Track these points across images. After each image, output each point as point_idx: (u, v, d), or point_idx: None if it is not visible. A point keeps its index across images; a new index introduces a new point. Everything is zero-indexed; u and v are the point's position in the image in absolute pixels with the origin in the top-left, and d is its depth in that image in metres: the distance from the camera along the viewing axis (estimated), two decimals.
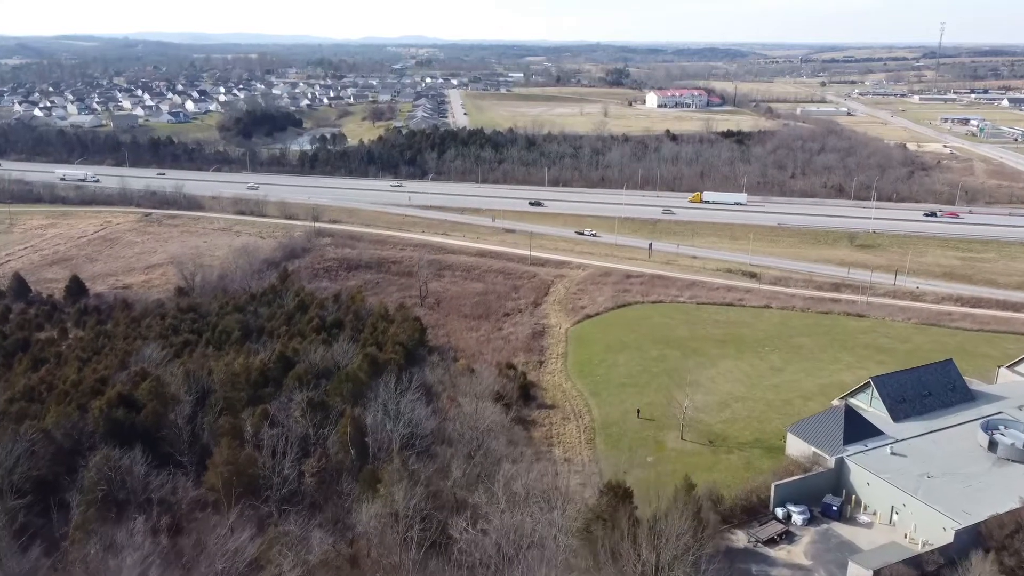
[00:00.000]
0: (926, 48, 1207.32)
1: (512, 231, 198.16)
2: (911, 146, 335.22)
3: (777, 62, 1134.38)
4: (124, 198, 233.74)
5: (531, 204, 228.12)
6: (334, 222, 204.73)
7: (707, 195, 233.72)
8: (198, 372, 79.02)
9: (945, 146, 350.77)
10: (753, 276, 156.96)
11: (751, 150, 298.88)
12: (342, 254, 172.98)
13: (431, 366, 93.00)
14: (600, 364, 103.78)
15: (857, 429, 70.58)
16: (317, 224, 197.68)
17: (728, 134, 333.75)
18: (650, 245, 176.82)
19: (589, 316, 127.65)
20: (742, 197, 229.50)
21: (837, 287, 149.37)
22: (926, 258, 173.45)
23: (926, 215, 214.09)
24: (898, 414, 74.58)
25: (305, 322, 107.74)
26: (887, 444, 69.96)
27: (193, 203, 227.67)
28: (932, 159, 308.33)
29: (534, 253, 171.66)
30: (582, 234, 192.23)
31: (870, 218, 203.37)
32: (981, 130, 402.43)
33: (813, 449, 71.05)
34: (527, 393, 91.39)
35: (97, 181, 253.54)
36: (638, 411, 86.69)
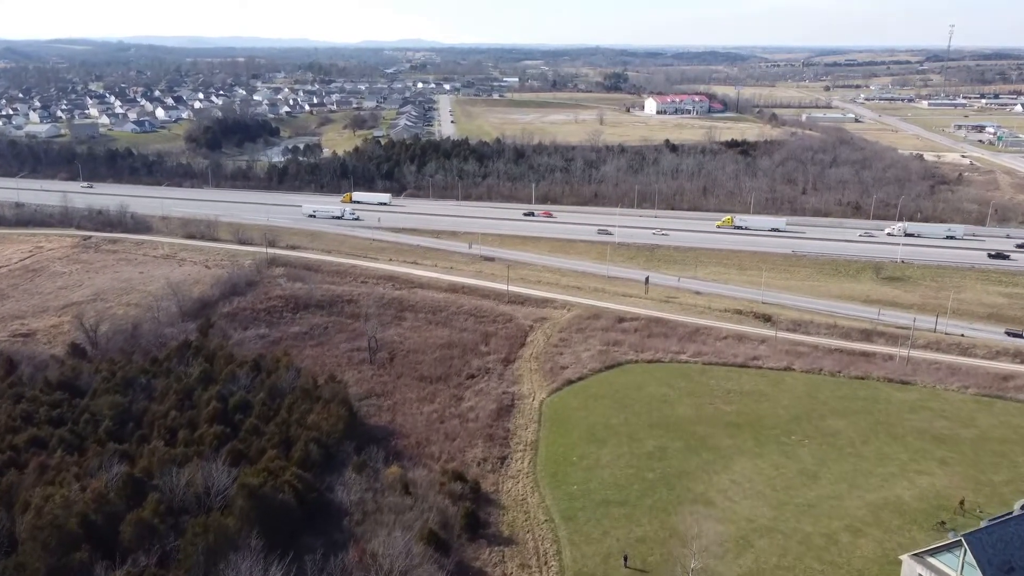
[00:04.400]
0: (928, 51, 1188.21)
1: (491, 259, 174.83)
2: (928, 156, 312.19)
3: (779, 66, 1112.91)
4: (65, 219, 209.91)
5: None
6: (292, 248, 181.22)
7: (356, 195, 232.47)
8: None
9: (963, 156, 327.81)
10: (767, 320, 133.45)
11: (757, 162, 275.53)
12: (291, 291, 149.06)
13: (349, 483, 69.19)
14: (579, 463, 79.98)
15: None
16: (271, 251, 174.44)
17: (732, 144, 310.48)
18: (647, 279, 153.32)
19: (570, 381, 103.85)
20: (386, 197, 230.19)
21: (868, 335, 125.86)
22: (965, 294, 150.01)
23: (525, 214, 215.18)
24: None
25: (203, 403, 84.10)
26: None
27: (141, 224, 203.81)
28: (952, 171, 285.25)
29: (513, 289, 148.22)
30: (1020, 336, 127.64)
31: (898, 244, 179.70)
32: (1000, 138, 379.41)
33: None
34: (476, 520, 67.51)
35: (356, 218, 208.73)
36: (624, 558, 62.88)
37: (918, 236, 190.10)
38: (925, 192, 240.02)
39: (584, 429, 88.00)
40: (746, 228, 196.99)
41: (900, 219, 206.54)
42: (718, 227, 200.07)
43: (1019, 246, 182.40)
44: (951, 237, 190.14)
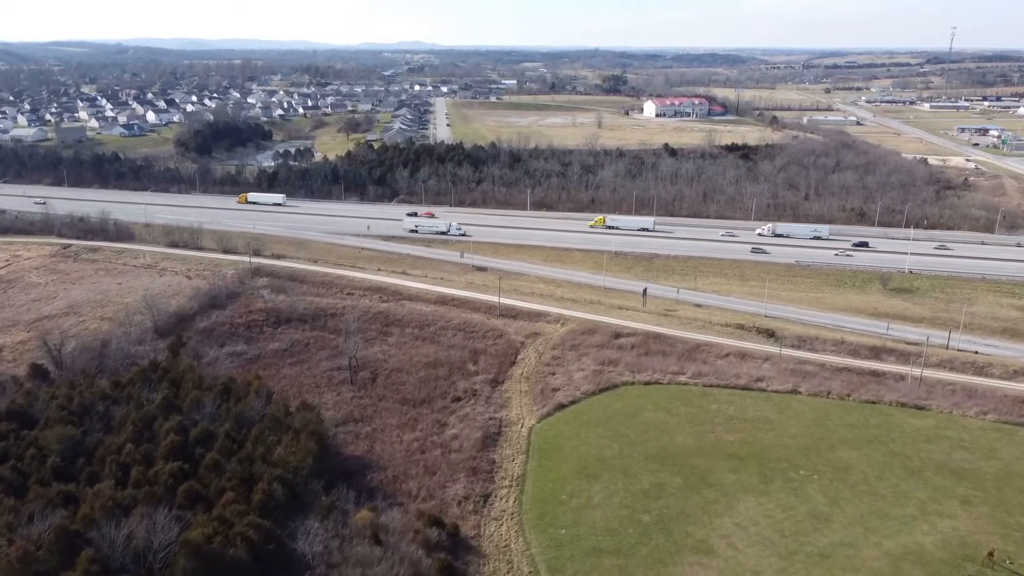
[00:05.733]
0: (928, 53, 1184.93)
1: (484, 269, 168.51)
2: (932, 160, 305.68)
3: (779, 68, 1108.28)
4: (46, 226, 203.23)
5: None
6: (278, 257, 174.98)
7: (252, 196, 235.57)
8: None
9: (968, 160, 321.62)
10: (771, 335, 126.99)
11: (758, 166, 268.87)
12: (273, 303, 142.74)
13: (311, 531, 62.60)
14: (568, 503, 73.43)
15: None
16: (255, 260, 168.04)
17: (732, 148, 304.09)
18: (644, 291, 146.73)
19: (562, 406, 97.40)
20: (280, 197, 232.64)
21: (877, 353, 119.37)
22: (977, 307, 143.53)
23: (408, 215, 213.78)
24: None
25: (163, 433, 77.61)
26: None
27: (123, 232, 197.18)
28: (957, 176, 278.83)
29: (504, 301, 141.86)
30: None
31: (907, 253, 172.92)
32: (1004, 142, 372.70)
33: None
34: (452, 574, 60.99)
35: (463, 234, 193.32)
36: None
37: (787, 236, 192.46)
38: (931, 198, 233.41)
39: (575, 461, 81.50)
40: (617, 228, 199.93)
41: (907, 227, 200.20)
42: (591, 227, 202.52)
43: (856, 245, 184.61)
44: (817, 237, 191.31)
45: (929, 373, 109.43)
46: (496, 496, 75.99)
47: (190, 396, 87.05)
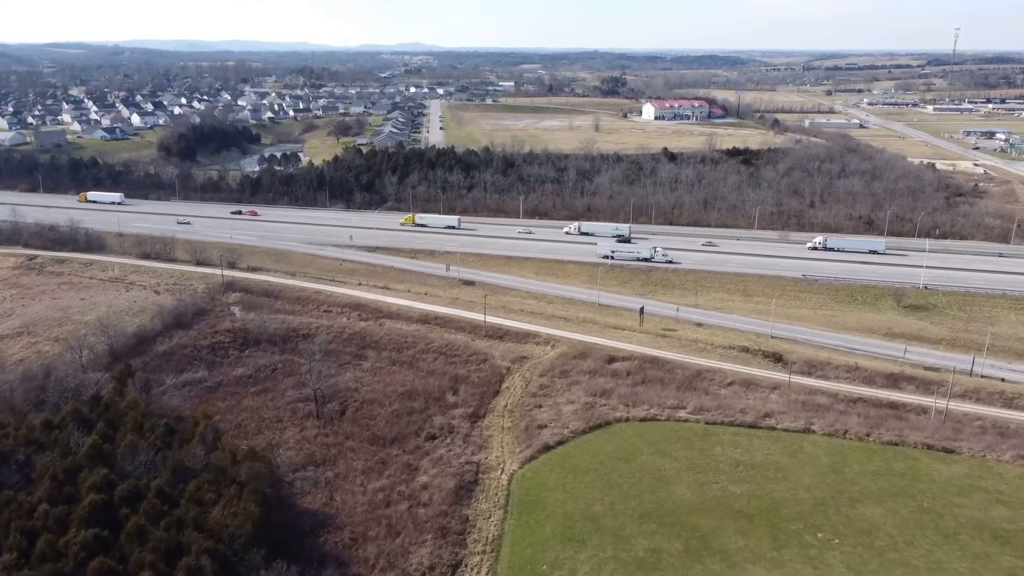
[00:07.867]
0: (928, 55, 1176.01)
1: (471, 283, 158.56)
2: (940, 165, 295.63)
3: (779, 70, 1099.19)
4: (14, 235, 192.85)
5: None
6: (254, 270, 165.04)
7: (91, 195, 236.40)
8: None
9: (976, 164, 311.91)
10: (778, 359, 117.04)
11: (761, 172, 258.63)
12: (242, 323, 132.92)
13: None
14: (549, 575, 63.13)
15: None
16: (228, 274, 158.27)
17: (734, 152, 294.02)
18: (641, 309, 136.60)
19: (548, 447, 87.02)
20: (117, 196, 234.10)
21: (895, 380, 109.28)
22: (1000, 327, 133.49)
23: (232, 212, 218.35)
24: None
25: (85, 490, 67.35)
26: None
27: (94, 242, 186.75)
28: (966, 181, 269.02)
29: (491, 320, 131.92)
30: None
31: (921, 266, 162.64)
32: (1012, 145, 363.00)
33: None
34: None
35: (669, 261, 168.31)
36: None
37: (591, 235, 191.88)
38: (941, 205, 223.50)
39: (560, 519, 71.17)
40: (425, 226, 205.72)
41: (917, 236, 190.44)
42: (401, 224, 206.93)
43: (619, 240, 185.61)
44: (620, 235, 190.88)
45: (954, 405, 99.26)
46: (467, 565, 65.68)
47: (125, 441, 76.76)
